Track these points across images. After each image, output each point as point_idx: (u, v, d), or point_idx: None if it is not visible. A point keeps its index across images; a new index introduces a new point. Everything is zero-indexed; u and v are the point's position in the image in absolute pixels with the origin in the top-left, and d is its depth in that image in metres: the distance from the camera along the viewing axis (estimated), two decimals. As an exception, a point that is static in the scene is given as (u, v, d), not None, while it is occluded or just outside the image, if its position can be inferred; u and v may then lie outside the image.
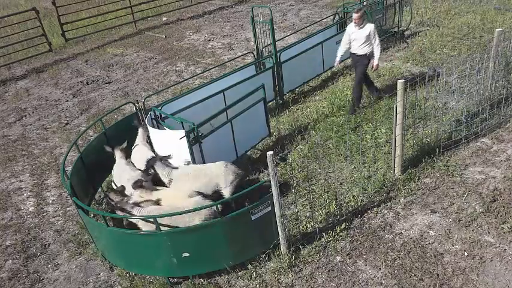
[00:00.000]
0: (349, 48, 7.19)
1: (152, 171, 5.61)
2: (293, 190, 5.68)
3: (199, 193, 5.20)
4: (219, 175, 5.33)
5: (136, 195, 5.16)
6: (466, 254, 4.45)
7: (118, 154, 5.94)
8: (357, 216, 5.13)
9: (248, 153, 6.65)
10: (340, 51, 7.29)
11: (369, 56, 7.01)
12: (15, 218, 6.30)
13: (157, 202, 5.10)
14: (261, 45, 8.09)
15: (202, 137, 5.63)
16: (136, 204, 4.95)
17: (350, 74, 8.92)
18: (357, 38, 6.92)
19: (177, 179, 5.51)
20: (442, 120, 6.42)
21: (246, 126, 6.25)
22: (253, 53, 8.34)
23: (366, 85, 7.41)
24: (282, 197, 5.14)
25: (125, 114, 8.38)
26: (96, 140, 6.26)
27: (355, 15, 6.79)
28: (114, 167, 5.96)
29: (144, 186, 5.24)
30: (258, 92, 6.34)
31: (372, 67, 7.03)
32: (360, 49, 6.98)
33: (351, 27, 7.04)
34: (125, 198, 5.10)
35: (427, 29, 10.67)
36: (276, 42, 7.71)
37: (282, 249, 4.68)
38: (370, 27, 6.80)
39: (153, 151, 6.03)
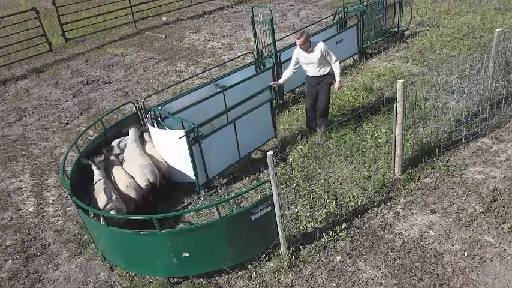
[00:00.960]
0: (295, 71, 6.64)
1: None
2: (293, 190, 5.68)
3: (134, 184, 5.52)
4: (135, 172, 5.60)
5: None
6: (466, 254, 4.45)
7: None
8: (357, 216, 5.13)
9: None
10: (287, 74, 6.71)
11: (333, 74, 6.49)
12: (15, 218, 6.30)
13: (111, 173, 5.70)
14: (261, 45, 8.09)
15: (203, 137, 5.63)
16: (102, 164, 5.65)
17: (350, 74, 8.93)
18: (310, 61, 6.39)
19: (127, 154, 5.95)
20: (442, 120, 6.43)
21: (250, 127, 6.22)
22: (253, 53, 8.34)
23: (311, 116, 6.85)
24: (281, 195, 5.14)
25: (124, 114, 8.38)
26: (96, 140, 6.27)
27: (297, 41, 6.22)
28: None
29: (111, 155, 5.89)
30: (264, 92, 6.30)
31: (336, 87, 6.55)
32: (319, 71, 6.43)
33: (299, 51, 6.40)
34: (101, 157, 5.74)
35: (427, 29, 10.67)
36: (276, 42, 7.71)
37: (282, 249, 4.68)
38: (320, 47, 6.24)
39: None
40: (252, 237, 4.62)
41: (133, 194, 5.39)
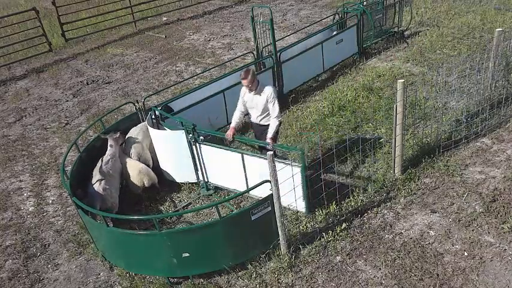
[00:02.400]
0: (246, 113, 5.67)
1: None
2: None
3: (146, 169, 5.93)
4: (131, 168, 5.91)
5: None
6: (466, 254, 4.46)
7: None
8: (357, 216, 5.13)
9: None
10: (235, 118, 5.62)
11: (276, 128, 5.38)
12: (15, 218, 6.30)
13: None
14: (261, 45, 8.08)
15: (202, 141, 5.60)
16: (116, 143, 5.91)
17: (350, 74, 8.93)
18: (255, 106, 5.38)
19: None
20: (442, 120, 6.42)
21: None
22: (253, 53, 8.34)
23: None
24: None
25: (124, 114, 8.37)
26: (95, 140, 6.28)
27: (242, 81, 5.19)
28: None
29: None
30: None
31: (268, 144, 5.21)
32: (263, 119, 5.45)
33: (245, 91, 5.40)
34: (116, 134, 5.95)
35: (427, 29, 10.67)
36: (276, 42, 7.71)
37: (282, 249, 4.68)
38: (267, 92, 5.20)
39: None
40: (252, 237, 4.62)
41: (146, 180, 5.81)
